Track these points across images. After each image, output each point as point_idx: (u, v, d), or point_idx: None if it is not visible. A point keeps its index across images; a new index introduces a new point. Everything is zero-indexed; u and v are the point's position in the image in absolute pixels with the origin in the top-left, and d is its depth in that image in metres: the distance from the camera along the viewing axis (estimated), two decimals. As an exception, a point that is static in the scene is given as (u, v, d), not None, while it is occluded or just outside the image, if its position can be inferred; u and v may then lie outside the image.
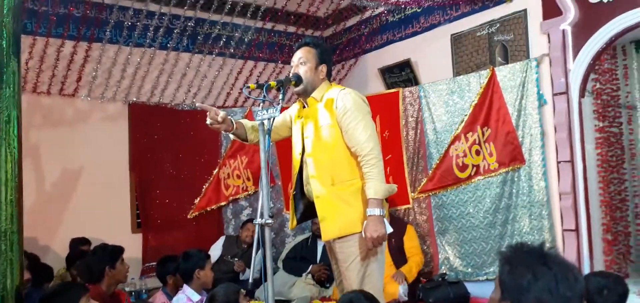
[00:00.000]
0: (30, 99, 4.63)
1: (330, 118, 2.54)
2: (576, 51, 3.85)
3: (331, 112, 2.54)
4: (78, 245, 4.58)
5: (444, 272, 4.48)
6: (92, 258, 3.41)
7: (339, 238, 2.50)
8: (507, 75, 4.17)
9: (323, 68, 2.64)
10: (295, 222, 2.76)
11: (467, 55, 4.68)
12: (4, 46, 2.13)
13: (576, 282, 1.28)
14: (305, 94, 2.63)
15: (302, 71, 2.61)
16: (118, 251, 3.35)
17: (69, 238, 4.62)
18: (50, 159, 4.75)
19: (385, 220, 2.43)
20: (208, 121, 2.56)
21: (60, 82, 4.71)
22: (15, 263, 2.17)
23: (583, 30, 3.82)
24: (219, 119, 2.53)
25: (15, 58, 2.22)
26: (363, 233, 2.41)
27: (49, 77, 4.63)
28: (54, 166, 4.78)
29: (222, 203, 5.55)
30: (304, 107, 2.69)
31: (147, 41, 4.89)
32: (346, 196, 2.49)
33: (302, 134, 2.65)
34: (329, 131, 2.53)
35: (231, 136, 2.76)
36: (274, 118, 2.32)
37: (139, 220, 5.31)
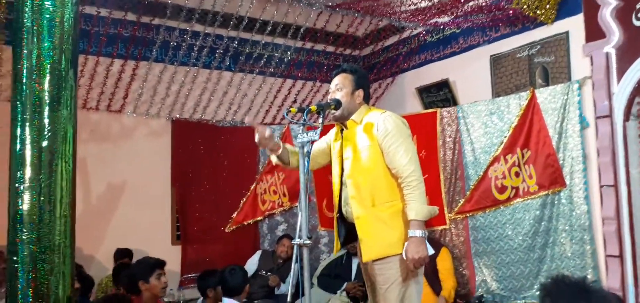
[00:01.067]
0: (79, 115, 4.72)
1: (370, 139, 2.57)
2: (620, 74, 3.77)
3: (371, 135, 2.57)
4: (121, 256, 4.76)
5: (481, 294, 4.41)
6: (131, 271, 3.55)
7: (379, 259, 2.51)
8: (548, 97, 4.11)
9: (360, 93, 2.69)
10: (339, 246, 2.79)
11: (506, 76, 4.64)
12: (63, 69, 2.27)
13: None
14: (342, 118, 2.68)
15: (339, 96, 2.66)
16: (153, 265, 3.42)
17: (113, 249, 4.80)
18: (97, 173, 4.95)
19: (426, 241, 2.44)
20: (256, 138, 2.62)
21: (108, 99, 4.93)
22: (67, 275, 2.28)
23: (627, 53, 3.73)
24: (267, 135, 2.60)
25: (73, 80, 2.35)
26: (404, 254, 2.43)
27: (98, 94, 4.85)
28: (99, 179, 4.98)
29: (259, 218, 5.64)
30: (342, 130, 2.74)
31: (192, 60, 5.07)
32: (386, 218, 2.51)
33: (341, 156, 2.69)
34: (369, 153, 2.56)
35: (273, 159, 2.81)
36: (314, 141, 2.37)
37: (179, 233, 5.46)
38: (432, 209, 2.60)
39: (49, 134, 2.23)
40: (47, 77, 2.21)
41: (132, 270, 3.67)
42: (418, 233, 2.41)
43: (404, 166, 2.47)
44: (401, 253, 2.46)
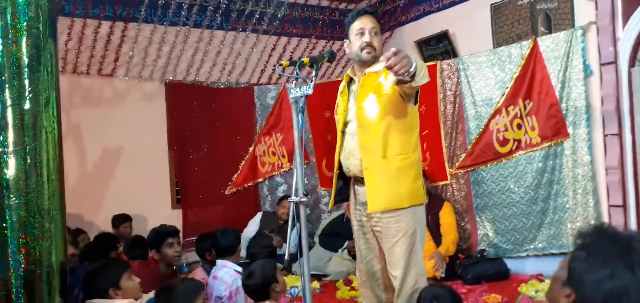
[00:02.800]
0: (71, 80, 4.75)
1: (391, 90, 2.44)
2: (626, 18, 3.63)
3: (389, 84, 2.46)
4: (120, 221, 4.74)
5: (483, 248, 4.39)
6: (144, 240, 3.53)
7: (387, 212, 2.45)
8: (551, 45, 3.98)
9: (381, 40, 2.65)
10: (332, 203, 2.74)
11: (507, 25, 4.50)
12: (41, 28, 2.15)
13: None
14: (372, 63, 2.55)
15: (377, 41, 2.55)
16: (165, 234, 3.40)
17: (112, 215, 4.77)
18: (91, 139, 4.88)
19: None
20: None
21: (98, 63, 4.81)
22: (58, 240, 2.23)
23: (634, -4, 3.59)
24: None
25: (52, 40, 2.24)
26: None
27: (87, 57, 4.73)
28: (95, 145, 4.91)
29: (259, 180, 5.61)
30: (349, 82, 2.63)
31: (181, 19, 4.92)
32: (396, 170, 2.45)
33: (346, 107, 2.59)
34: (386, 102, 2.45)
35: None
36: (307, 96, 2.28)
37: (179, 196, 5.42)
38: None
39: (31, 96, 2.14)
40: (24, 37, 2.11)
41: (147, 238, 3.66)
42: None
43: None
44: (410, 207, 2.43)
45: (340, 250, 4.74)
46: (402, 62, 2.10)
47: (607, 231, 1.13)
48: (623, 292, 1.01)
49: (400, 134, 2.46)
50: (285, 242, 4.78)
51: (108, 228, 4.74)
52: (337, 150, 2.66)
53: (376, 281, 2.66)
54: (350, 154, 2.56)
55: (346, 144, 2.59)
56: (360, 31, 2.55)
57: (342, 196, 2.75)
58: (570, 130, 3.95)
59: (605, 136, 3.76)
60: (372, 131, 2.47)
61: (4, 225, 2.14)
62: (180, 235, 5.29)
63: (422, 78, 2.26)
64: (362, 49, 2.54)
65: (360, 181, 2.56)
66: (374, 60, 2.55)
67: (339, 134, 2.65)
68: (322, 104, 5.07)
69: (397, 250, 2.46)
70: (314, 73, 2.36)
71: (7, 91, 2.10)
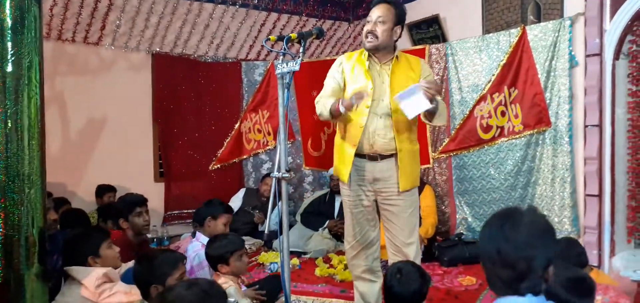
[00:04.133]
0: (55, 47, 4.67)
1: (416, 80, 2.60)
2: (614, 10, 3.66)
3: (417, 75, 2.66)
4: (104, 191, 4.71)
5: (461, 232, 4.47)
6: (114, 208, 3.51)
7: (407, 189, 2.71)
8: (539, 34, 4.01)
9: (398, 29, 2.67)
10: (347, 177, 2.75)
11: (498, 12, 4.52)
12: (25, -11, 2.13)
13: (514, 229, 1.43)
14: (375, 50, 2.67)
15: (380, 30, 2.62)
16: (134, 203, 3.40)
17: (95, 185, 4.74)
18: (75, 107, 4.83)
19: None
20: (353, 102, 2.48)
21: (84, 30, 4.73)
22: (38, 206, 2.22)
23: (622, -12, 3.62)
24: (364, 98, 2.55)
25: (37, 3, 2.21)
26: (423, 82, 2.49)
27: (73, 24, 4.64)
28: (78, 113, 4.86)
29: (244, 157, 5.61)
30: (367, 62, 2.70)
31: (170, -11, 4.85)
32: (416, 154, 2.77)
33: (375, 87, 2.64)
34: None
35: (342, 109, 2.58)
36: (294, 72, 2.28)
37: (162, 170, 5.40)
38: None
39: (13, 58, 2.12)
40: (8, -2, 2.07)
41: (114, 207, 3.64)
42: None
43: None
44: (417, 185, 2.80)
45: (320, 229, 4.77)
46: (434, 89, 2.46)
47: (500, 212, 1.54)
48: (498, 246, 1.43)
49: (415, 121, 2.70)
50: (266, 218, 4.85)
51: (91, 197, 4.72)
52: (360, 126, 2.66)
53: (370, 248, 2.85)
54: (376, 133, 2.64)
55: (370, 122, 2.65)
56: (369, 19, 2.68)
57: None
58: (552, 119, 4.00)
59: (586, 126, 3.82)
60: (402, 118, 2.60)
61: (-17, 188, 2.13)
62: (163, 208, 5.33)
63: (439, 120, 2.61)
64: (365, 36, 2.66)
65: (374, 158, 2.68)
66: (376, 49, 2.66)
67: (361, 111, 2.64)
68: (311, 83, 5.05)
69: (412, 220, 2.75)
70: (301, 50, 2.37)
71: (-12, 52, 2.08)
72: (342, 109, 2.52)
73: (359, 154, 2.70)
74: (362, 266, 2.85)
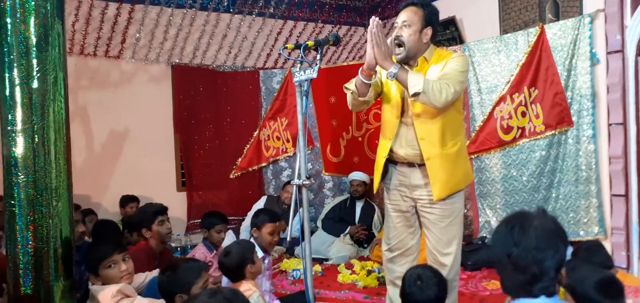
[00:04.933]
0: (78, 61, 4.78)
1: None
2: (635, 6, 3.60)
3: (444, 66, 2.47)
4: (127, 202, 4.79)
5: (484, 235, 4.42)
6: (135, 219, 3.56)
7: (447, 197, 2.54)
8: (558, 32, 3.96)
9: (428, 31, 2.53)
10: (377, 185, 2.73)
11: (515, 12, 4.47)
12: (49, 8, 2.18)
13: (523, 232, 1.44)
14: (406, 60, 2.54)
15: (406, 34, 2.50)
16: (155, 212, 3.42)
17: (119, 196, 4.83)
18: (98, 120, 4.93)
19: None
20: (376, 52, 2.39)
21: (105, 44, 4.84)
22: (66, 218, 2.27)
23: (643, -16, 3.56)
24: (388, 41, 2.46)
25: (60, 20, 2.26)
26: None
27: (94, 39, 4.75)
28: (101, 126, 4.96)
29: (263, 164, 5.64)
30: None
31: (188, 2, 4.93)
32: (453, 157, 2.53)
33: (403, 95, 2.56)
34: None
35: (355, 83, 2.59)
36: (312, 79, 2.29)
37: (184, 179, 5.47)
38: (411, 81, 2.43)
39: (39, 75, 2.17)
40: (33, 16, 2.13)
41: (136, 217, 3.69)
42: (393, 70, 2.37)
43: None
44: (464, 187, 2.62)
45: (342, 235, 4.77)
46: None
47: (509, 216, 1.55)
48: (508, 250, 1.45)
49: (452, 121, 2.52)
50: (288, 226, 4.86)
51: (115, 208, 4.80)
52: (387, 136, 2.64)
53: (408, 257, 2.72)
54: (407, 144, 2.57)
55: (401, 132, 2.59)
56: (395, 24, 2.58)
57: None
58: (574, 119, 3.94)
59: (609, 125, 3.75)
60: (429, 123, 2.49)
61: (13, 202, 2.18)
62: (186, 217, 5.39)
63: (411, 89, 2.34)
64: (394, 47, 2.54)
65: (412, 165, 2.59)
66: (405, 58, 2.53)
67: (390, 120, 2.62)
68: (328, 89, 5.08)
69: (451, 230, 2.58)
70: (318, 57, 2.37)
71: (15, 70, 2.13)
72: (362, 77, 2.48)
73: (395, 161, 2.65)
74: (396, 271, 2.73)
